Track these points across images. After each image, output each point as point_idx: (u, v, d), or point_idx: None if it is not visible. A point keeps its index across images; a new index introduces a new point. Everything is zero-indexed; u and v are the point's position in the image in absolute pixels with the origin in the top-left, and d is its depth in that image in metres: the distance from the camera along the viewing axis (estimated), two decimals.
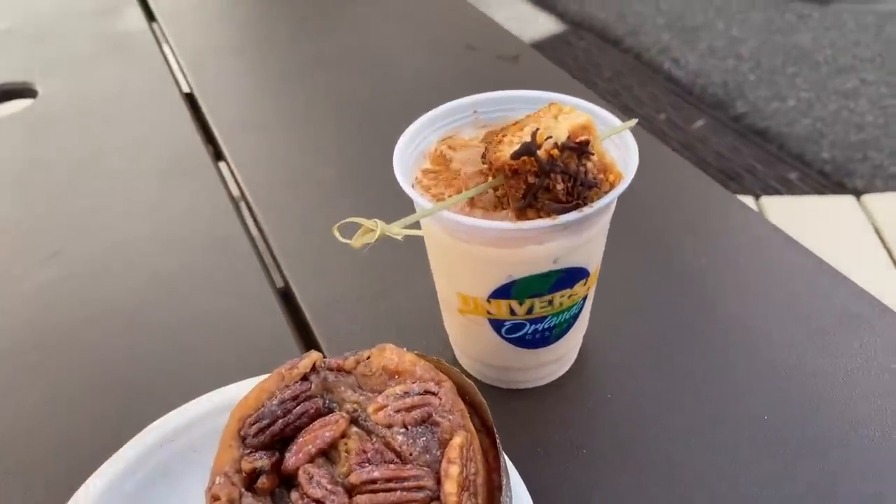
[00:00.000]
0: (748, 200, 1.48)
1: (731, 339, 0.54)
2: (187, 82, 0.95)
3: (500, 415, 0.41)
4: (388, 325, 0.57)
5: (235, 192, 0.76)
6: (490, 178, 0.42)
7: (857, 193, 1.48)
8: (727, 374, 0.52)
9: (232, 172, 0.78)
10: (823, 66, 2.89)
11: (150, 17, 1.13)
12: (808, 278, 0.59)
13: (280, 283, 0.64)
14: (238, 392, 0.49)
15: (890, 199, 1.46)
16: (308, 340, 0.58)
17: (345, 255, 0.64)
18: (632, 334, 0.55)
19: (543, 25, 3.36)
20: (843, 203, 1.46)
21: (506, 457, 0.41)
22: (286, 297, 0.62)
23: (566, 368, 0.53)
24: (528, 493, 0.42)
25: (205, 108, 0.89)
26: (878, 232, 1.37)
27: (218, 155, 0.82)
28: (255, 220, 0.71)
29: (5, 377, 0.56)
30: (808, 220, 1.44)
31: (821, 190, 2.28)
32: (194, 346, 0.57)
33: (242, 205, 0.74)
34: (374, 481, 0.36)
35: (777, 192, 2.27)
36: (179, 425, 0.48)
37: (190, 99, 0.92)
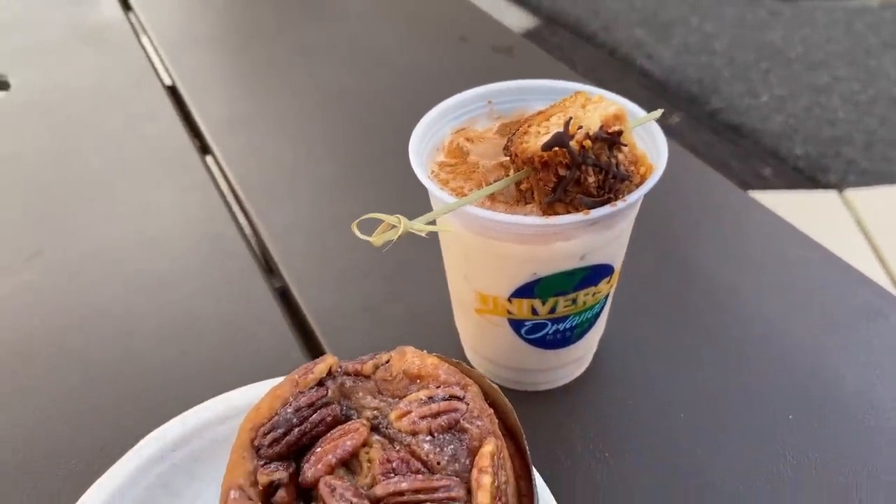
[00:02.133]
0: None
1: (751, 337, 0.53)
2: (168, 74, 0.92)
3: (518, 418, 0.38)
4: (394, 328, 0.55)
5: (225, 188, 0.73)
6: (513, 171, 0.40)
7: (831, 188, 1.49)
8: (749, 372, 0.50)
9: (220, 167, 0.75)
10: (795, 63, 2.93)
11: (126, 6, 1.09)
12: (825, 274, 0.58)
13: (277, 284, 0.61)
14: (241, 398, 0.47)
15: (871, 193, 1.47)
16: (311, 344, 0.55)
17: (345, 254, 0.62)
18: (648, 333, 0.54)
19: (517, 20, 3.35)
20: (825, 198, 1.47)
21: (535, 473, 0.39)
22: (284, 298, 0.60)
23: (583, 369, 0.51)
24: (553, 498, 0.40)
25: (189, 101, 0.85)
26: (860, 225, 1.37)
27: (205, 149, 0.78)
28: (247, 217, 0.68)
29: None
30: (790, 215, 1.44)
31: (795, 185, 2.30)
32: (189, 352, 0.54)
33: (233, 201, 0.71)
34: (401, 493, 0.34)
35: (752, 187, 2.29)
36: (179, 435, 0.45)
37: (173, 92, 0.89)
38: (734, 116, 2.67)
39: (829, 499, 0.43)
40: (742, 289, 0.57)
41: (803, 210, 1.47)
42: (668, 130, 2.66)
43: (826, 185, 2.09)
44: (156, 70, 0.92)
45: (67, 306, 0.59)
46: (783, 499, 0.43)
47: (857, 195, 1.44)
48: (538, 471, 0.42)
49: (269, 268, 0.63)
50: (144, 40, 1.00)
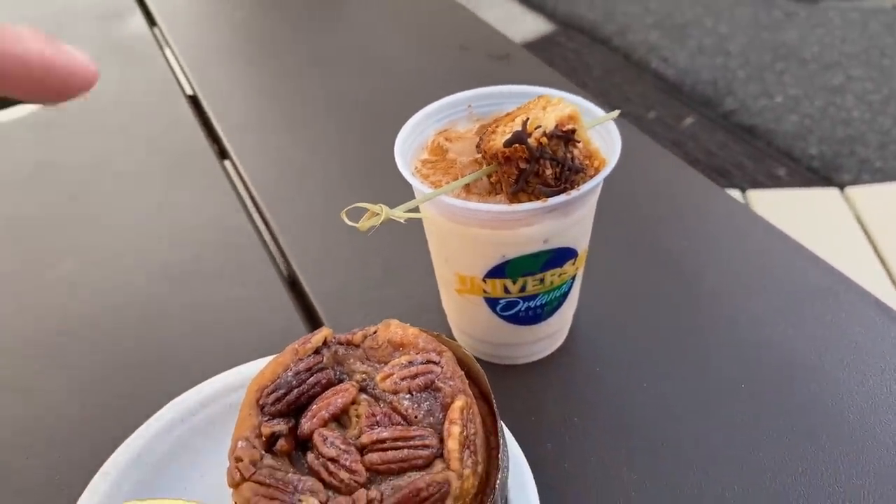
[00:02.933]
0: (735, 194, 1.52)
1: (711, 315, 0.58)
2: (190, 84, 0.99)
3: (496, 388, 0.44)
4: (390, 310, 0.61)
5: (241, 188, 0.79)
6: (484, 166, 0.46)
7: (842, 186, 1.52)
8: (707, 347, 0.56)
9: (237, 169, 0.81)
10: (811, 63, 2.95)
11: (151, 21, 1.17)
12: (782, 257, 0.63)
13: (287, 273, 0.67)
14: (251, 370, 0.53)
15: (871, 190, 1.51)
16: (315, 325, 0.61)
17: (348, 245, 0.68)
18: (618, 313, 0.59)
19: (533, 25, 3.40)
20: (827, 195, 1.50)
21: (502, 423, 0.44)
22: (293, 285, 0.66)
23: (557, 345, 0.56)
24: (523, 455, 0.46)
25: (208, 109, 0.92)
26: (860, 222, 1.41)
27: (223, 154, 0.85)
28: (260, 213, 0.75)
29: (31, 361, 0.59)
30: (794, 211, 1.48)
31: (809, 185, 2.32)
32: (207, 332, 0.61)
33: (248, 200, 0.77)
34: (383, 440, 0.40)
35: (766, 187, 2.32)
36: (197, 402, 0.51)
37: (193, 101, 0.95)
38: (748, 117, 2.70)
39: (773, 457, 0.48)
40: (704, 271, 0.62)
41: (805, 207, 1.51)
42: (682, 132, 2.68)
43: (840, 185, 2.11)
44: (178, 80, 1.00)
45: (99, 293, 0.65)
46: (734, 457, 0.48)
47: (857, 192, 1.47)
48: (513, 433, 0.47)
49: (279, 258, 0.69)
50: (168, 53, 1.07)
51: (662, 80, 2.91)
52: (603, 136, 0.49)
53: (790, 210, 1.50)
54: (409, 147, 0.50)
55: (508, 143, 0.42)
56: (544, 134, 0.42)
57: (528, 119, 0.43)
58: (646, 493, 0.47)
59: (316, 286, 0.64)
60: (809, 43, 3.06)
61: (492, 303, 0.50)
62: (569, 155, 0.43)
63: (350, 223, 0.42)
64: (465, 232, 0.46)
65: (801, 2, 3.35)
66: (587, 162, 0.44)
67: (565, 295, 0.52)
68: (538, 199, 0.43)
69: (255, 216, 0.75)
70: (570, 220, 0.46)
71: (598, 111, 0.49)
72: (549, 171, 0.43)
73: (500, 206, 0.43)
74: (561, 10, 3.46)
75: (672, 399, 0.52)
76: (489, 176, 0.46)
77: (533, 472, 0.45)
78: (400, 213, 0.42)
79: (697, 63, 2.98)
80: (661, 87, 2.86)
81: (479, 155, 0.47)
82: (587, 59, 3.11)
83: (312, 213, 0.74)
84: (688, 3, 3.43)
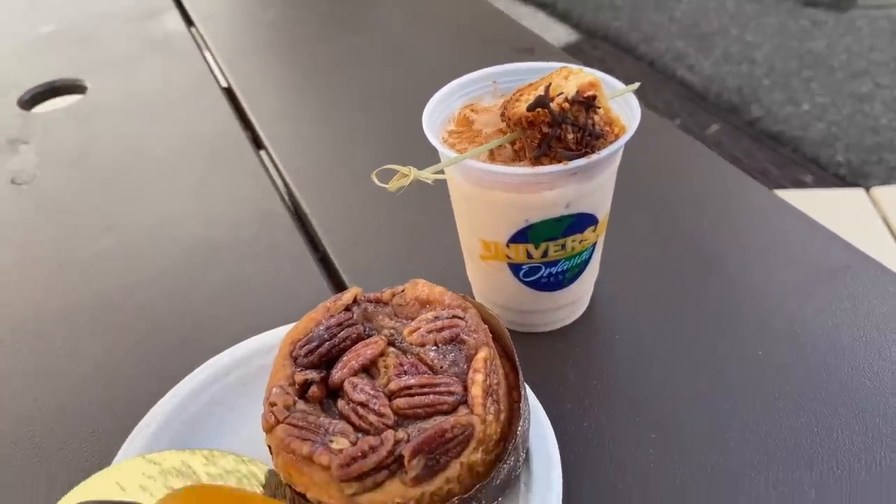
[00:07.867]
0: None
1: (728, 288, 0.59)
2: (225, 78, 1.02)
3: (519, 354, 0.45)
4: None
5: (273, 173, 0.82)
6: (509, 133, 0.48)
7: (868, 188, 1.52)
8: (724, 317, 0.57)
9: (270, 157, 0.84)
10: (838, 71, 2.93)
11: (188, 20, 1.21)
12: (799, 233, 0.64)
13: (317, 249, 0.70)
14: (283, 334, 0.55)
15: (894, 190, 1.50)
16: None
17: (375, 223, 0.70)
18: (638, 286, 0.61)
19: (558, 35, 3.42)
20: (853, 195, 1.50)
21: (523, 379, 0.46)
22: (323, 261, 0.68)
23: (579, 313, 0.58)
24: (543, 410, 0.47)
25: (243, 101, 0.95)
26: (886, 222, 1.40)
27: (257, 143, 0.88)
28: (291, 196, 0.77)
29: (75, 328, 0.62)
30: (818, 211, 1.48)
31: None
32: (239, 302, 0.63)
33: (280, 184, 0.80)
34: (410, 387, 0.42)
35: None
36: (231, 362, 0.53)
37: (229, 93, 0.99)
38: (774, 124, 2.69)
39: (789, 422, 0.49)
40: (722, 246, 0.64)
41: (830, 207, 1.51)
42: (708, 139, 2.67)
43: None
44: (214, 75, 1.03)
45: (137, 268, 0.68)
46: (747, 420, 0.49)
47: (883, 192, 1.47)
48: (534, 392, 0.49)
49: (310, 235, 0.72)
50: (204, 50, 1.11)
51: (688, 87, 2.91)
52: (623, 107, 0.51)
53: (814, 210, 1.50)
54: (436, 118, 0.52)
55: (532, 108, 0.44)
56: (566, 100, 0.44)
57: (550, 84, 0.45)
58: (661, 446, 0.48)
59: (345, 261, 0.67)
60: (837, 51, 3.04)
61: (515, 269, 0.52)
62: (590, 121, 0.45)
63: (380, 184, 0.44)
64: (490, 196, 0.48)
65: (830, 10, 3.33)
66: (608, 128, 0.46)
67: (586, 262, 0.53)
68: (560, 162, 0.45)
69: (287, 199, 0.77)
70: (590, 185, 0.48)
71: (619, 84, 0.51)
72: (570, 136, 0.45)
73: (523, 169, 0.45)
74: (587, 20, 3.48)
75: (688, 367, 0.53)
76: (512, 143, 0.48)
77: (553, 426, 0.46)
78: (428, 175, 0.44)
79: (723, 71, 2.98)
80: (686, 95, 2.86)
81: (504, 124, 0.49)
82: (613, 67, 3.13)
83: (342, 196, 0.76)
84: (714, 12, 3.43)
